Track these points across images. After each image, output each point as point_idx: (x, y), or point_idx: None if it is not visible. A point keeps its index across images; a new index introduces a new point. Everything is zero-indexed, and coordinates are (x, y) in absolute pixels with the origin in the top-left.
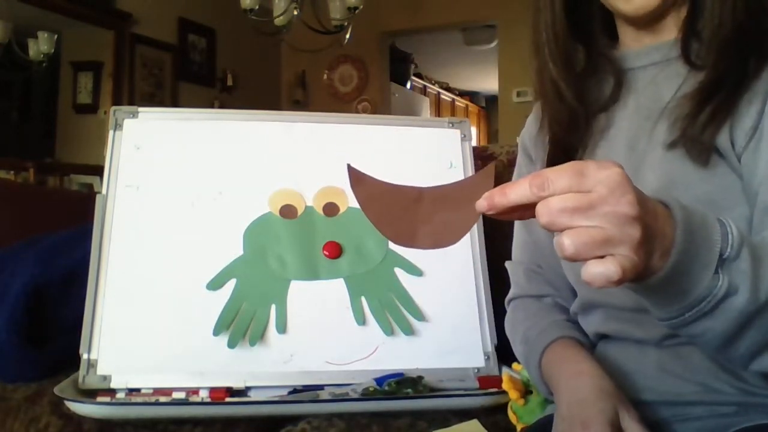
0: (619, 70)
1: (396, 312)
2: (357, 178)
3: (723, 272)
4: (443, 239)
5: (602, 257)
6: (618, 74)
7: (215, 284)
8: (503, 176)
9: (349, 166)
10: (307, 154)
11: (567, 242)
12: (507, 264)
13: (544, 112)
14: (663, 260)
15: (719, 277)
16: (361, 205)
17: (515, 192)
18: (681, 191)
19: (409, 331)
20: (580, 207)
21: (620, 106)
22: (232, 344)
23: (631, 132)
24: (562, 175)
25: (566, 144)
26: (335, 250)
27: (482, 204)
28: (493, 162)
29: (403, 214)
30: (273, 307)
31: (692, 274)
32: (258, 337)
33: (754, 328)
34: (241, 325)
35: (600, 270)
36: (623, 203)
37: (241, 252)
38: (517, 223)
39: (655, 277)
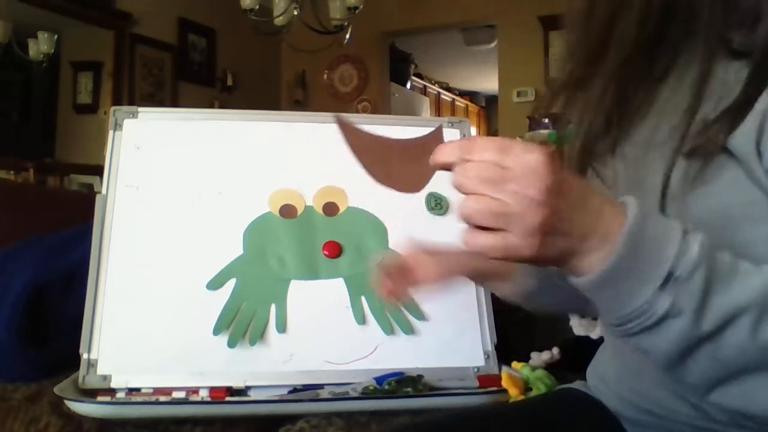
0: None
1: (396, 311)
2: (346, 126)
3: (668, 291)
4: (414, 186)
5: (495, 231)
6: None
7: (215, 284)
8: None
9: (337, 116)
10: (307, 154)
11: (467, 205)
12: None
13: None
14: (600, 263)
15: (662, 296)
16: (352, 150)
17: (446, 150)
18: (693, 200)
19: (409, 330)
20: (492, 179)
21: (668, 85)
22: (232, 344)
23: (657, 130)
24: (488, 146)
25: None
26: (335, 250)
27: (432, 159)
28: (441, 123)
29: (385, 160)
30: (273, 307)
31: (632, 286)
32: (258, 336)
33: (706, 358)
34: (241, 324)
35: (481, 240)
36: (532, 187)
37: (241, 252)
38: None
39: (588, 278)
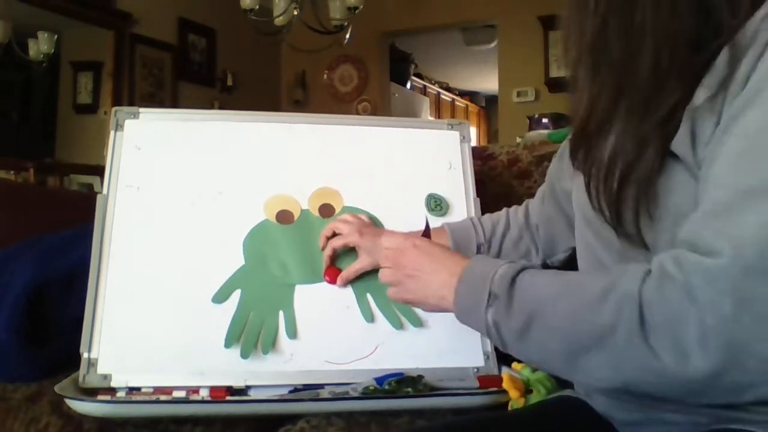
0: None
1: (401, 305)
2: None
3: (491, 307)
4: None
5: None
6: None
7: (220, 297)
8: (503, 176)
9: None
10: (303, 156)
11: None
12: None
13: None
14: (453, 301)
15: (489, 310)
16: None
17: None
18: (654, 202)
19: (418, 323)
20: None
21: None
22: (245, 355)
23: None
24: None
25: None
26: (337, 276)
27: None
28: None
29: None
30: (281, 314)
31: (473, 310)
32: (270, 345)
33: (536, 351)
34: (252, 334)
35: (389, 291)
36: (387, 263)
37: (241, 260)
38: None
39: (454, 311)
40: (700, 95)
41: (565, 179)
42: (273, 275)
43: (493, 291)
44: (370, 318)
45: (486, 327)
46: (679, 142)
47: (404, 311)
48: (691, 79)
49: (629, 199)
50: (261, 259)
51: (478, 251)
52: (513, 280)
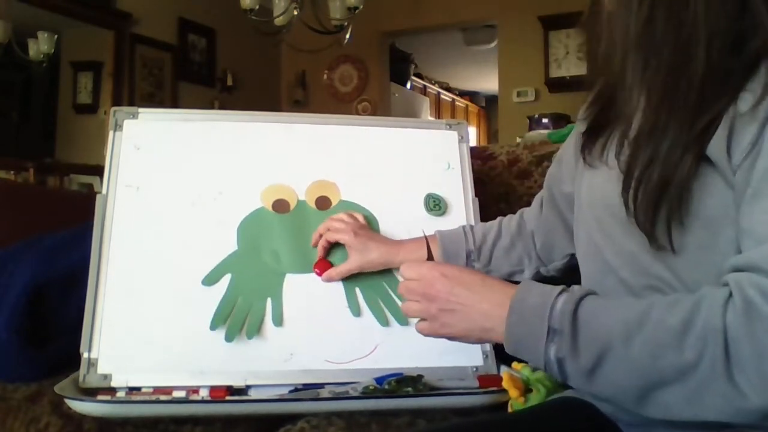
0: None
1: (390, 302)
2: None
3: (552, 343)
4: None
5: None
6: None
7: (210, 279)
8: (503, 176)
9: None
10: (301, 150)
11: (404, 306)
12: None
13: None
14: (502, 335)
15: (550, 346)
16: None
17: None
18: (685, 205)
19: (404, 321)
20: (408, 290)
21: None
22: (229, 338)
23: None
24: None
25: (599, 121)
26: (326, 269)
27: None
28: None
29: None
30: (269, 301)
31: (530, 345)
32: (255, 330)
33: (606, 385)
34: (238, 319)
35: (418, 326)
36: (422, 292)
37: (235, 247)
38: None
39: (504, 344)
40: (746, 100)
41: (565, 183)
42: (264, 262)
43: (553, 326)
44: (357, 312)
45: (545, 362)
46: (715, 147)
47: (391, 307)
48: (736, 83)
49: (665, 202)
50: (254, 246)
51: (468, 259)
52: (575, 314)
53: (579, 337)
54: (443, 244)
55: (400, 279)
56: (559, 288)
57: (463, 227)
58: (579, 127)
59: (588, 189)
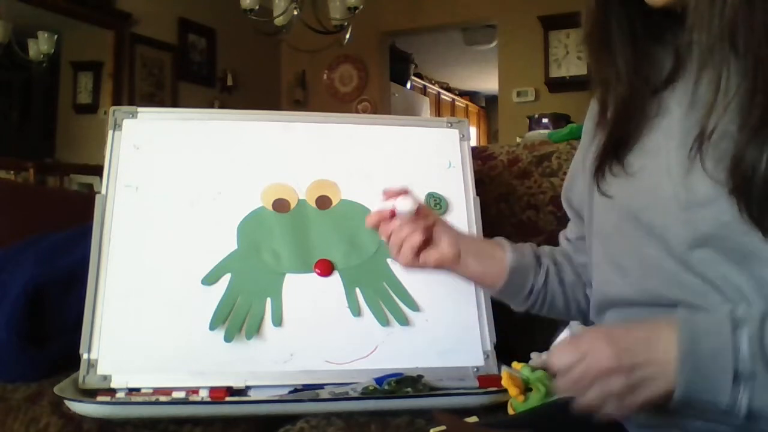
0: (679, 43)
1: (390, 302)
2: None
3: (743, 390)
4: None
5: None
6: (677, 47)
7: (210, 279)
8: (503, 176)
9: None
10: (301, 150)
11: (585, 399)
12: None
13: (598, 99)
14: (672, 393)
15: (740, 397)
16: None
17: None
18: (702, 214)
19: (404, 321)
20: (582, 379)
21: (676, 90)
22: (228, 338)
23: (686, 125)
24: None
25: (618, 133)
26: (327, 269)
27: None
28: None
29: None
30: (269, 301)
31: (708, 398)
32: (254, 330)
33: None
34: (237, 319)
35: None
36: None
37: (235, 247)
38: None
39: (674, 402)
40: None
41: (592, 194)
42: (264, 262)
43: (742, 372)
44: (357, 312)
45: (731, 413)
46: None
47: (391, 307)
48: None
49: None
50: (254, 245)
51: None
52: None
53: None
54: (511, 278)
55: (401, 279)
56: (728, 319)
57: (533, 249)
58: (591, 150)
59: (631, 194)
